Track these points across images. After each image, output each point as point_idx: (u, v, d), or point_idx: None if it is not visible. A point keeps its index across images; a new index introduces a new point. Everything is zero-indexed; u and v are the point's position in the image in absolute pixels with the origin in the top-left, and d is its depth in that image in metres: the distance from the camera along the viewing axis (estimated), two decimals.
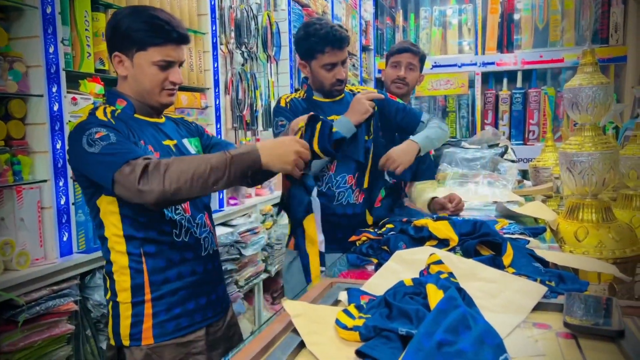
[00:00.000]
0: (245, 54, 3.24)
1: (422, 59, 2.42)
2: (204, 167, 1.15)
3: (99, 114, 1.30)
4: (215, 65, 2.91)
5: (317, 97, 1.96)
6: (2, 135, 1.77)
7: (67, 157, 1.34)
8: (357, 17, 5.11)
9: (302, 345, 0.86)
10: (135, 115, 1.37)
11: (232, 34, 3.10)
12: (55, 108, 1.86)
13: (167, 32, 1.31)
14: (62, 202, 1.89)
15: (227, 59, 3.10)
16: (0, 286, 1.64)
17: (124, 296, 1.33)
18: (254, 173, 1.21)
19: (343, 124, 1.75)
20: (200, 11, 2.83)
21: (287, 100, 1.95)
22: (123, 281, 1.33)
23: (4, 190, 1.79)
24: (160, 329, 1.33)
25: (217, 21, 2.93)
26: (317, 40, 1.82)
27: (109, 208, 1.31)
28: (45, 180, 1.85)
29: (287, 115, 1.87)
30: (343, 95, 1.98)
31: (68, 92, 1.92)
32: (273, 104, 3.05)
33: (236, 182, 1.21)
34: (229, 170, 1.17)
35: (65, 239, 1.90)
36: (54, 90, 1.85)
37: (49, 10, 1.83)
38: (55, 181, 1.86)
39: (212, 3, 2.87)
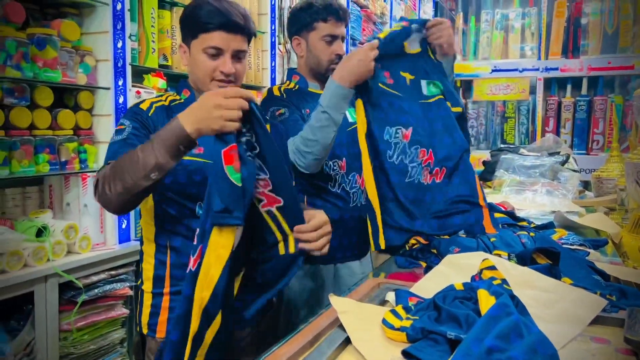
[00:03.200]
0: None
1: None
2: (136, 158, 1.08)
3: (146, 102, 1.32)
4: (273, 64, 2.96)
5: (312, 89, 1.80)
6: (71, 124, 1.87)
7: None
8: None
9: (347, 341, 0.86)
10: None
11: None
12: (121, 100, 1.94)
13: (217, 18, 1.25)
14: None
15: (285, 58, 3.15)
16: (63, 268, 1.73)
17: (147, 285, 1.33)
18: (187, 146, 1.08)
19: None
20: (260, 10, 2.88)
21: (282, 89, 1.78)
22: (147, 270, 1.33)
23: (70, 177, 1.89)
24: None
25: (277, 21, 2.97)
26: (319, 7, 1.73)
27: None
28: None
29: (285, 104, 1.71)
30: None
31: (133, 86, 2.01)
32: None
33: (171, 159, 1.07)
34: (157, 152, 1.06)
35: (124, 226, 1.98)
36: (120, 83, 1.94)
37: (119, 7, 1.92)
38: None
39: (273, 3, 2.92)
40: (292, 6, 1.86)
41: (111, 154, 1.21)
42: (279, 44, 3.03)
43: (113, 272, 1.91)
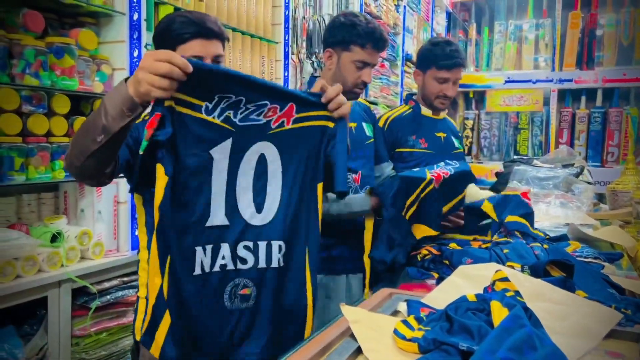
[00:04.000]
0: (315, 64, 3.29)
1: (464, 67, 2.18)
2: (89, 118, 1.05)
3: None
4: (286, 74, 2.98)
5: None
6: None
7: None
8: (429, 30, 5.06)
9: (358, 351, 0.86)
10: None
11: (304, 44, 3.16)
12: None
13: (192, 27, 1.26)
14: None
15: (297, 68, 3.16)
16: (76, 273, 1.75)
17: (142, 291, 1.33)
18: (131, 109, 1.01)
19: None
20: (274, 21, 2.91)
21: None
22: (142, 276, 1.33)
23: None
24: None
25: (290, 31, 3.00)
26: (360, 31, 1.68)
27: (138, 203, 1.32)
28: (122, 176, 1.95)
29: None
30: (350, 103, 1.87)
31: None
32: None
33: (115, 122, 1.01)
34: (102, 110, 1.02)
35: (137, 233, 1.99)
36: None
37: (135, 16, 1.95)
38: None
39: (286, 13, 2.95)
40: (337, 15, 1.81)
41: None
42: (292, 54, 3.06)
43: (125, 279, 1.93)
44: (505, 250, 1.39)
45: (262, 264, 1.16)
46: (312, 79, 1.89)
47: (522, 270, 1.25)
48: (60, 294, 1.71)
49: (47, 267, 1.70)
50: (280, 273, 1.18)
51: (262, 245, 1.16)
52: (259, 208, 1.17)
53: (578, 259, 1.43)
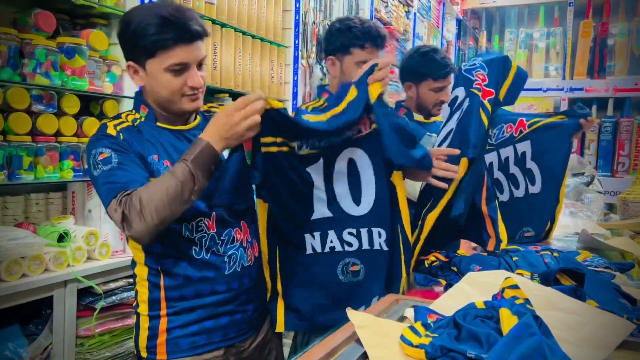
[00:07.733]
0: (325, 69, 3.28)
1: None
2: (174, 185, 1.08)
3: (110, 127, 1.22)
4: (295, 79, 2.98)
5: None
6: None
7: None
8: (439, 37, 5.05)
9: (364, 357, 0.85)
10: (158, 124, 1.28)
11: (313, 49, 3.16)
12: None
13: (175, 31, 1.15)
14: None
15: (307, 72, 3.16)
16: (82, 273, 1.75)
17: (143, 308, 1.28)
18: (218, 165, 1.14)
19: None
20: (284, 25, 2.91)
21: (309, 110, 1.72)
22: (142, 293, 1.28)
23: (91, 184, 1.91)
24: (173, 345, 1.26)
25: (300, 36, 3.00)
26: (357, 33, 1.70)
27: None
28: None
29: None
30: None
31: None
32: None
33: (207, 182, 1.14)
34: (196, 176, 1.10)
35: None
36: None
37: None
38: None
39: (297, 18, 2.95)
40: (332, 22, 1.83)
41: (121, 184, 1.13)
42: (302, 58, 3.06)
43: (131, 280, 1.92)
44: (515, 258, 1.37)
45: (365, 246, 1.38)
46: (321, 88, 1.88)
47: (532, 279, 1.23)
48: (66, 293, 1.71)
49: (54, 266, 1.70)
50: (383, 254, 1.39)
51: (364, 231, 1.38)
52: (357, 201, 1.37)
53: (589, 268, 1.41)
